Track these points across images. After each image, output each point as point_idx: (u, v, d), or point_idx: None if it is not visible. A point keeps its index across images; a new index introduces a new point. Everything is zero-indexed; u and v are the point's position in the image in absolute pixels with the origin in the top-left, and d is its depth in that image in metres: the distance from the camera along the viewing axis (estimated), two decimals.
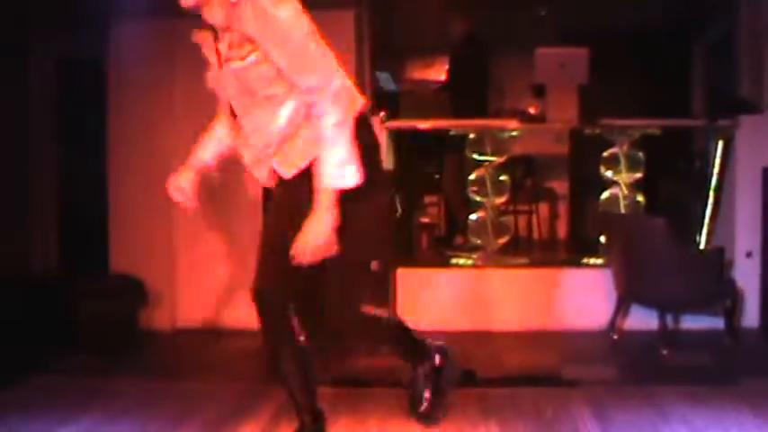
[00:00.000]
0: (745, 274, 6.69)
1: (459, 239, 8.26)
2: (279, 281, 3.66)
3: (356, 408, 4.76)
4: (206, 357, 6.29)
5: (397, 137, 7.30)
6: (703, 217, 7.05)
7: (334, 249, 3.42)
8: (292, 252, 3.41)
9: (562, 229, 9.47)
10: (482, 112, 8.21)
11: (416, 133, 7.63)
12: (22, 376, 5.38)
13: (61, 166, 8.59)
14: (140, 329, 6.79)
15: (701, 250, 6.88)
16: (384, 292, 6.29)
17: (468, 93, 8.32)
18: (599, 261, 7.11)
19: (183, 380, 5.53)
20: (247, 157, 3.71)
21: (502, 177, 7.41)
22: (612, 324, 6.53)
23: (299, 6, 3.46)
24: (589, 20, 9.55)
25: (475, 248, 7.41)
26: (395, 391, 4.90)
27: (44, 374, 5.53)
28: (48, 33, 8.19)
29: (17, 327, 6.49)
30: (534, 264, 7.40)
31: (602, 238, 7.18)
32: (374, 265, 6.23)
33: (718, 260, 6.34)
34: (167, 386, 5.32)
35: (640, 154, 7.30)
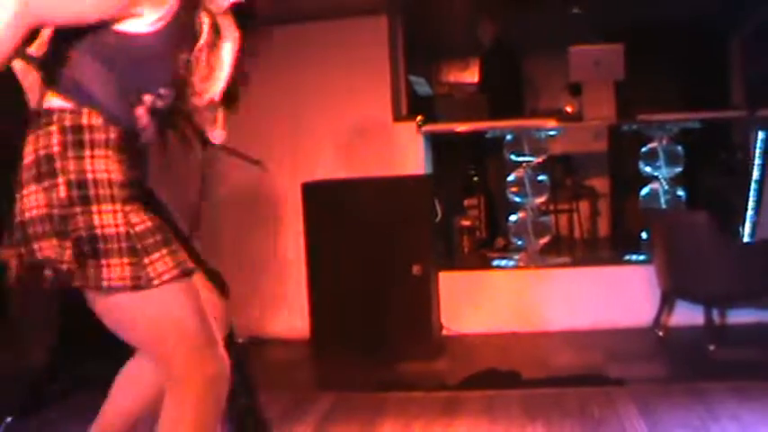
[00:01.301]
0: None
1: (500, 241, 8.24)
2: None
3: (401, 412, 4.76)
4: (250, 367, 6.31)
5: (435, 141, 7.30)
6: (746, 209, 6.97)
7: None
8: None
9: (603, 227, 9.43)
10: (518, 113, 8.19)
11: (454, 136, 7.64)
12: None
13: None
14: None
15: (746, 243, 6.81)
16: (426, 296, 6.28)
17: (503, 94, 8.30)
18: (642, 258, 7.05)
19: None
20: None
21: (541, 177, 7.38)
22: (658, 321, 6.49)
23: None
24: (623, 15, 9.50)
25: (516, 249, 7.39)
26: (439, 394, 4.90)
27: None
28: None
29: None
30: (576, 263, 7.37)
31: (645, 235, 7.13)
32: (416, 269, 6.23)
33: (764, 252, 6.27)
34: None
35: (679, 148, 7.25)
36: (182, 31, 2.65)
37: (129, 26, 2.52)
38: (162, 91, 2.66)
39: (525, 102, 8.73)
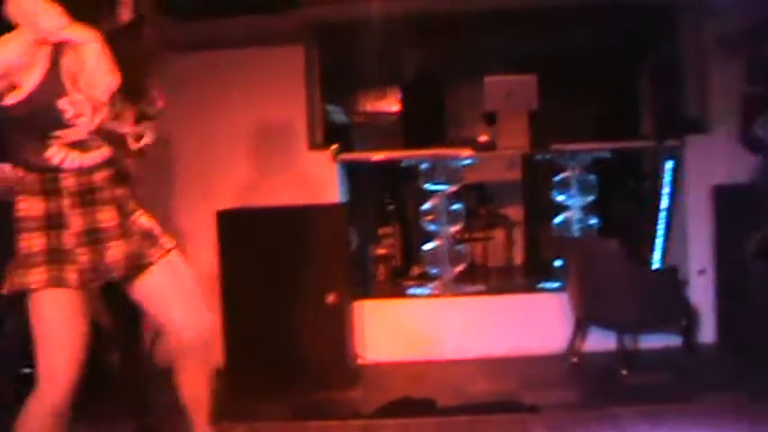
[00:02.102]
0: (699, 292, 6.74)
1: (416, 269, 8.25)
2: None
3: None
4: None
5: (351, 169, 7.30)
6: (656, 237, 7.10)
7: None
8: None
9: (518, 255, 9.49)
10: (440, 142, 8.23)
11: (370, 165, 7.64)
12: None
13: None
14: None
15: (655, 270, 6.93)
16: (342, 325, 6.26)
17: (425, 123, 8.35)
18: (556, 285, 7.13)
19: None
20: None
21: (456, 206, 7.42)
22: (571, 347, 6.55)
23: None
24: (537, 46, 9.64)
25: (432, 278, 7.41)
26: (355, 423, 4.87)
27: None
28: None
29: None
30: (491, 290, 7.42)
31: (558, 262, 7.21)
32: (331, 297, 6.21)
33: (673, 279, 6.40)
34: None
35: (592, 177, 7.36)
36: (52, 81, 3.17)
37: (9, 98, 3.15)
38: (62, 132, 3.22)
39: (447, 131, 8.75)
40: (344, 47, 7.62)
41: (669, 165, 7.06)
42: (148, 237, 3.44)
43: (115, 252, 3.35)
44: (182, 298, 3.51)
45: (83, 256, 3.27)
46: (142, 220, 3.48)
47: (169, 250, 3.49)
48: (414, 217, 7.98)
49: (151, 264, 3.44)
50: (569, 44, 9.59)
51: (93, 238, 3.31)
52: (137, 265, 3.41)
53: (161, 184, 6.90)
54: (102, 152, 3.33)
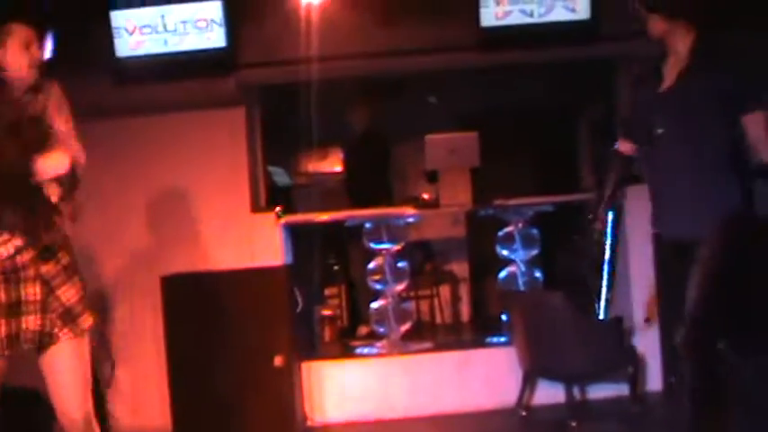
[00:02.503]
0: (645, 340, 6.79)
1: (363, 329, 8.23)
2: None
3: None
4: None
5: (295, 230, 7.30)
6: (600, 287, 7.15)
7: None
8: None
9: (465, 311, 9.52)
10: (385, 200, 8.25)
11: (314, 226, 7.64)
12: None
13: None
14: None
15: (601, 320, 6.97)
16: (290, 387, 6.22)
17: (368, 182, 8.36)
18: (503, 339, 7.14)
19: None
20: None
21: (401, 264, 7.43)
22: (520, 401, 6.55)
23: None
24: (479, 103, 9.76)
25: (379, 337, 7.39)
26: None
27: None
28: None
29: None
30: (439, 347, 7.40)
31: (504, 317, 7.23)
32: (278, 360, 6.18)
33: (618, 329, 6.44)
34: None
35: (535, 231, 7.42)
36: None
37: None
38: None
39: (392, 189, 8.76)
40: (286, 108, 7.66)
41: (610, 215, 7.12)
42: (68, 314, 3.56)
43: (30, 325, 3.50)
44: (72, 383, 3.61)
45: (1, 328, 3.43)
46: (68, 294, 3.59)
47: (82, 330, 3.61)
48: (359, 276, 7.97)
49: (57, 341, 3.55)
50: (510, 100, 9.73)
51: (15, 311, 3.47)
52: (46, 340, 3.54)
53: (105, 249, 6.85)
54: (13, 242, 3.48)
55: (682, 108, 3.89)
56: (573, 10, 6.69)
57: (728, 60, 3.94)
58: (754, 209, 4.00)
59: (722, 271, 3.92)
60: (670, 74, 3.97)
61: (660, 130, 3.92)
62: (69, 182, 3.61)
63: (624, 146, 4.30)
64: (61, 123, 3.75)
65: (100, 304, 6.72)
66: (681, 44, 3.93)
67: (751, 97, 3.90)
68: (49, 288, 3.53)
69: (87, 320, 3.64)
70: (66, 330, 3.55)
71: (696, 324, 3.94)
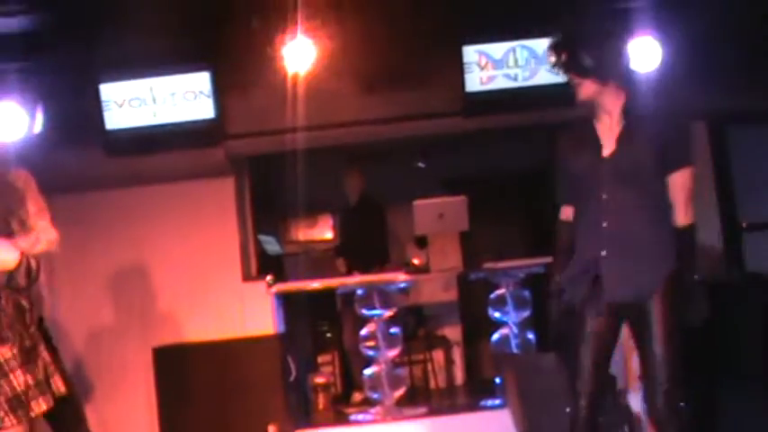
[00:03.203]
0: (639, 400, 6.74)
1: (357, 396, 8.18)
2: None
3: None
4: None
5: (286, 298, 7.29)
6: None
7: None
8: None
9: (459, 375, 9.48)
10: (384, 265, 8.24)
11: (306, 293, 7.64)
12: None
13: None
14: None
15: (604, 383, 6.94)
16: None
17: (367, 248, 8.36)
18: (497, 403, 7.10)
19: None
20: None
21: (393, 330, 7.40)
22: None
23: None
24: (466, 167, 9.81)
25: (373, 403, 7.34)
26: None
27: None
28: None
29: None
30: (433, 412, 7.35)
31: (498, 380, 7.20)
32: (272, 429, 6.15)
33: (611, 388, 6.41)
34: None
35: (526, 293, 7.40)
36: None
37: None
38: None
39: (389, 254, 8.76)
40: (275, 177, 7.71)
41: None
42: (17, 399, 3.57)
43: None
44: None
45: None
46: (20, 380, 3.61)
47: (30, 419, 3.62)
48: (352, 343, 7.95)
49: (2, 427, 3.57)
50: (497, 163, 9.79)
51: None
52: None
53: (95, 321, 6.85)
54: None
55: (628, 171, 3.88)
56: (557, 73, 6.75)
57: (660, 120, 3.97)
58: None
59: (677, 328, 3.92)
60: (608, 136, 3.96)
61: (605, 195, 3.90)
62: (26, 273, 3.60)
63: (567, 212, 4.22)
64: (31, 207, 3.82)
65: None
66: (612, 105, 3.94)
67: (679, 155, 3.94)
68: (1, 372, 3.54)
69: (40, 405, 3.62)
70: (11, 417, 3.53)
71: (672, 386, 3.92)
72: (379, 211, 8.58)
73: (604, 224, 3.89)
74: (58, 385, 3.72)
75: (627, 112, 3.95)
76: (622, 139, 3.92)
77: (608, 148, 3.95)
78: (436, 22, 6.83)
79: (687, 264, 3.97)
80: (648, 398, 4.02)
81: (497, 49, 6.98)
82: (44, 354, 3.72)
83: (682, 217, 3.92)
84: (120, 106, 6.76)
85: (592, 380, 4.10)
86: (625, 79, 3.96)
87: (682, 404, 3.92)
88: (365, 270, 7.78)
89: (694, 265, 3.98)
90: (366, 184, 8.58)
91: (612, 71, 3.90)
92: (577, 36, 3.96)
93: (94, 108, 6.69)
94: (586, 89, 3.95)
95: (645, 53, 6.65)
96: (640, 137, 3.90)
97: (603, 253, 3.90)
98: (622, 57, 3.96)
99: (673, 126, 3.96)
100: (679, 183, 3.91)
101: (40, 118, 6.45)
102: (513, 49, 6.96)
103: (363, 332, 7.38)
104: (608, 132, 3.96)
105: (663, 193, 3.93)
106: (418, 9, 6.71)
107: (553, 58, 3.99)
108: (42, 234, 3.81)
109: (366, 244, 8.37)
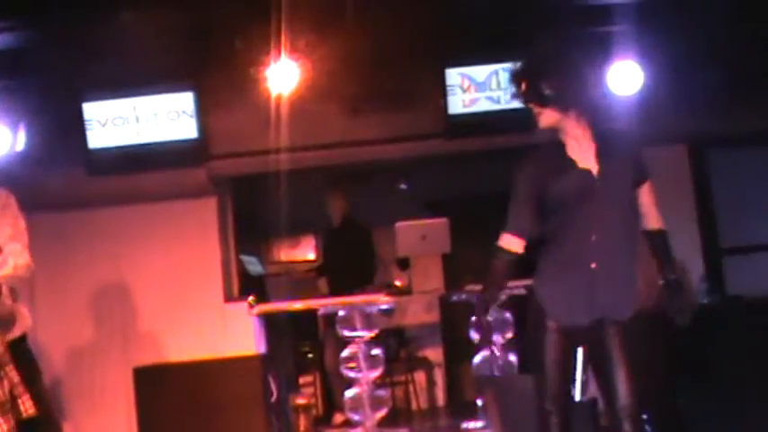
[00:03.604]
0: None
1: (338, 417, 8.16)
2: None
3: None
4: None
5: (268, 319, 7.28)
6: (575, 370, 7.12)
7: None
8: None
9: (440, 396, 9.46)
10: (366, 286, 8.23)
11: (288, 314, 7.61)
12: None
13: None
14: None
15: (576, 402, 6.93)
16: None
17: (349, 270, 8.34)
18: (479, 424, 7.08)
19: None
20: None
21: (375, 351, 7.38)
22: None
23: None
24: (449, 189, 9.82)
25: (354, 424, 7.31)
26: None
27: None
28: None
29: None
30: None
31: (479, 401, 7.19)
32: None
33: (593, 411, 6.40)
34: None
35: (508, 315, 7.39)
36: None
37: None
38: None
39: (375, 274, 8.76)
40: (257, 197, 7.71)
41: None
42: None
43: None
44: None
45: None
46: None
47: None
48: (333, 364, 7.92)
49: None
50: (480, 185, 9.80)
51: None
52: None
53: (76, 341, 6.82)
54: None
55: (614, 186, 3.91)
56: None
57: (626, 136, 4.06)
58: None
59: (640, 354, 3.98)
60: (581, 156, 3.96)
61: (593, 210, 3.88)
62: None
63: (513, 243, 4.20)
64: (5, 228, 3.85)
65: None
66: (578, 131, 3.96)
67: (645, 167, 4.02)
68: None
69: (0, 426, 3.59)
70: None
71: (638, 419, 3.97)
72: (364, 232, 8.58)
73: (593, 237, 3.90)
74: (26, 407, 3.67)
75: (596, 132, 3.97)
76: (601, 156, 3.94)
77: (589, 166, 3.95)
78: (420, 44, 6.85)
79: (668, 263, 4.08)
80: (613, 425, 4.09)
81: (480, 71, 7.02)
82: (11, 374, 3.68)
83: (656, 220, 4.04)
84: (104, 125, 6.77)
85: (561, 397, 4.21)
86: (588, 104, 3.96)
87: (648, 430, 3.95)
88: (348, 291, 7.76)
89: (674, 264, 4.09)
90: (349, 205, 8.58)
91: (573, 99, 3.92)
92: (535, 66, 3.98)
93: (77, 127, 6.69)
94: (546, 118, 3.98)
95: (626, 77, 6.73)
96: (616, 152, 3.93)
97: (593, 265, 3.92)
98: (584, 83, 3.96)
99: (636, 141, 4.07)
100: (649, 190, 4.01)
101: (22, 136, 6.44)
102: (496, 72, 6.99)
103: (345, 353, 7.35)
104: (580, 152, 3.96)
105: (636, 207, 4.00)
106: (402, 32, 6.68)
107: (514, 88, 4.02)
108: (11, 258, 3.78)
109: (349, 265, 8.35)
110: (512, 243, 4.18)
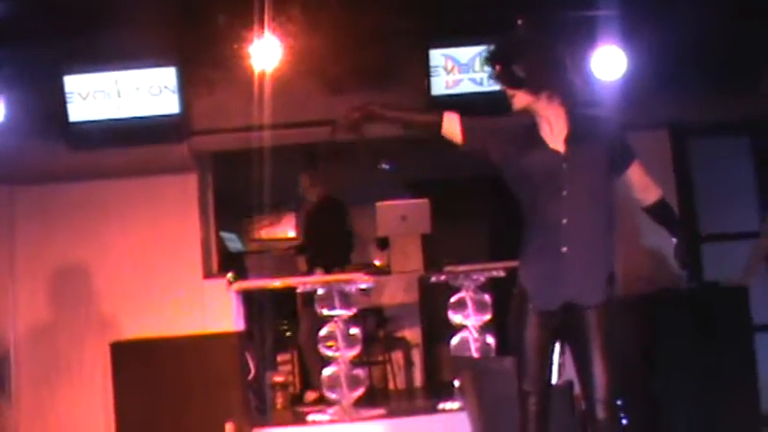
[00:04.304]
0: None
1: (309, 394, 8.18)
2: None
3: None
4: None
5: (247, 296, 7.28)
6: (552, 353, 7.15)
7: None
8: None
9: (418, 377, 9.48)
10: (345, 265, 8.23)
11: (266, 291, 7.61)
12: None
13: None
14: None
15: (552, 385, 6.96)
16: None
17: (327, 249, 8.33)
18: (456, 405, 7.10)
19: None
20: None
21: (353, 330, 7.39)
22: None
23: None
24: (430, 170, 9.81)
25: (331, 403, 7.33)
26: None
27: None
28: None
29: None
30: (392, 413, 7.35)
31: (456, 382, 7.21)
32: (229, 427, 6.12)
33: (569, 394, 6.43)
34: None
35: (487, 297, 7.41)
36: None
37: None
38: None
39: (350, 254, 8.78)
40: (239, 174, 7.68)
41: None
42: None
43: None
44: None
45: None
46: None
47: None
48: (306, 341, 7.93)
49: None
50: (461, 167, 9.79)
51: None
52: None
53: (53, 314, 6.81)
54: None
55: (584, 170, 3.94)
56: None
57: (603, 121, 4.12)
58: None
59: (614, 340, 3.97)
60: (552, 139, 3.98)
61: (565, 192, 3.91)
62: None
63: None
64: None
65: None
66: (550, 111, 3.98)
67: (629, 150, 4.05)
68: None
69: None
70: None
71: (613, 399, 3.96)
72: (342, 209, 8.55)
73: (564, 221, 3.92)
74: None
75: (571, 116, 4.00)
76: (571, 140, 3.96)
77: (559, 148, 3.97)
78: (404, 24, 6.84)
79: (679, 225, 4.28)
80: (589, 412, 4.08)
81: (464, 53, 7.00)
82: None
83: (656, 191, 4.13)
84: (85, 99, 6.71)
85: (539, 379, 4.22)
86: (561, 88, 3.98)
87: (623, 417, 3.98)
88: (326, 271, 7.76)
89: (682, 225, 4.32)
90: (327, 183, 8.56)
91: (545, 82, 3.93)
92: (509, 48, 4.02)
93: (58, 100, 6.63)
94: (519, 100, 4.00)
95: (609, 62, 6.74)
96: (589, 137, 3.96)
97: (564, 249, 3.93)
98: (557, 67, 3.98)
99: (615, 126, 4.09)
100: (637, 170, 4.06)
101: (2, 108, 6.40)
102: (480, 54, 6.96)
103: (323, 332, 7.35)
104: (551, 136, 3.99)
105: (613, 198, 4.01)
106: (386, 11, 6.70)
107: (488, 70, 4.06)
108: None
109: (327, 244, 8.34)
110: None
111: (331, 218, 8.47)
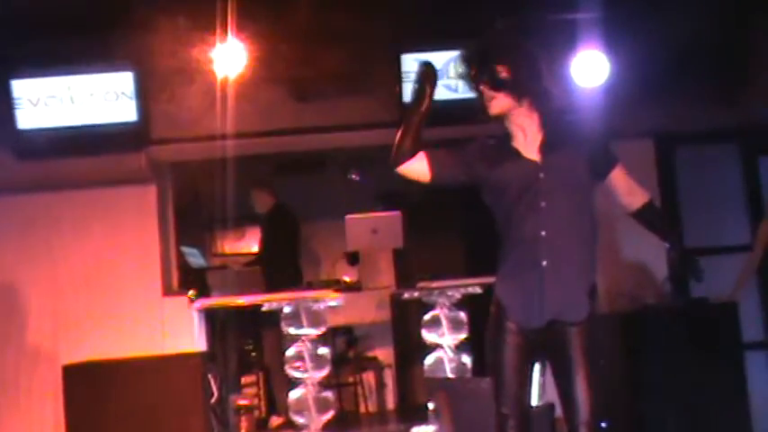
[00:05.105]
0: None
1: (274, 420, 7.99)
2: None
3: None
4: None
5: (209, 315, 7.12)
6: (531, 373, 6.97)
7: None
8: None
9: (390, 399, 9.31)
10: (296, 283, 8.04)
11: (230, 309, 7.39)
12: None
13: None
14: None
15: (531, 406, 6.75)
16: None
17: (282, 265, 8.15)
18: (430, 429, 6.86)
19: None
20: None
21: (321, 350, 7.13)
22: None
23: None
24: (402, 182, 9.59)
25: (299, 427, 7.07)
26: None
27: None
28: None
29: None
30: None
31: (431, 405, 6.97)
32: None
33: (549, 416, 6.21)
34: None
35: (462, 314, 7.19)
36: None
37: None
38: None
39: (304, 271, 8.59)
40: (200, 185, 7.54)
41: None
42: None
43: None
44: None
45: None
46: None
47: None
48: (277, 363, 7.69)
49: None
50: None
51: None
52: None
53: (2, 334, 6.71)
54: None
55: (562, 180, 3.79)
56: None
57: (580, 128, 3.97)
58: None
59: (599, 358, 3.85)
60: (526, 148, 3.84)
61: (543, 204, 3.76)
62: None
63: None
64: None
65: None
66: (527, 120, 3.83)
67: (610, 155, 3.93)
68: None
69: None
70: None
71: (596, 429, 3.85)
72: (291, 222, 8.37)
73: (543, 233, 3.76)
74: None
75: (545, 122, 3.84)
76: (547, 147, 3.80)
77: (533, 157, 3.82)
78: (375, 28, 6.67)
79: (671, 230, 4.23)
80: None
81: (438, 58, 6.78)
82: None
83: (643, 195, 3.97)
84: (35, 105, 6.52)
85: (518, 401, 4.14)
86: (542, 94, 3.83)
87: None
88: (278, 288, 7.55)
89: (676, 231, 4.07)
90: (278, 195, 8.39)
91: (528, 87, 3.78)
92: (494, 47, 3.85)
93: (5, 106, 6.44)
94: (498, 103, 3.82)
95: (591, 67, 6.62)
96: (567, 143, 3.81)
97: (544, 263, 3.77)
98: (540, 72, 3.82)
99: (594, 132, 3.94)
100: (621, 174, 3.92)
101: None
102: (455, 60, 6.81)
103: (290, 352, 7.11)
104: (525, 144, 3.84)
105: (593, 208, 3.87)
106: (356, 15, 6.52)
107: (463, 69, 3.91)
108: None
109: (279, 259, 8.16)
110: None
111: (280, 232, 8.30)
